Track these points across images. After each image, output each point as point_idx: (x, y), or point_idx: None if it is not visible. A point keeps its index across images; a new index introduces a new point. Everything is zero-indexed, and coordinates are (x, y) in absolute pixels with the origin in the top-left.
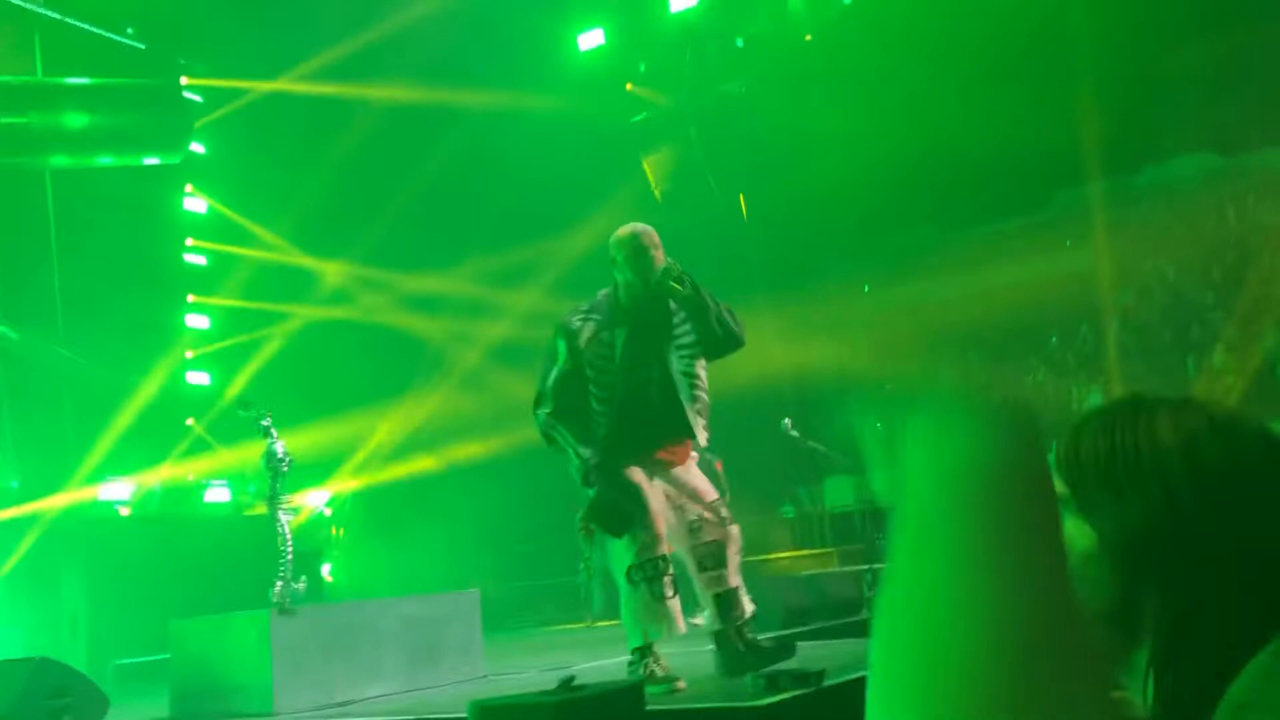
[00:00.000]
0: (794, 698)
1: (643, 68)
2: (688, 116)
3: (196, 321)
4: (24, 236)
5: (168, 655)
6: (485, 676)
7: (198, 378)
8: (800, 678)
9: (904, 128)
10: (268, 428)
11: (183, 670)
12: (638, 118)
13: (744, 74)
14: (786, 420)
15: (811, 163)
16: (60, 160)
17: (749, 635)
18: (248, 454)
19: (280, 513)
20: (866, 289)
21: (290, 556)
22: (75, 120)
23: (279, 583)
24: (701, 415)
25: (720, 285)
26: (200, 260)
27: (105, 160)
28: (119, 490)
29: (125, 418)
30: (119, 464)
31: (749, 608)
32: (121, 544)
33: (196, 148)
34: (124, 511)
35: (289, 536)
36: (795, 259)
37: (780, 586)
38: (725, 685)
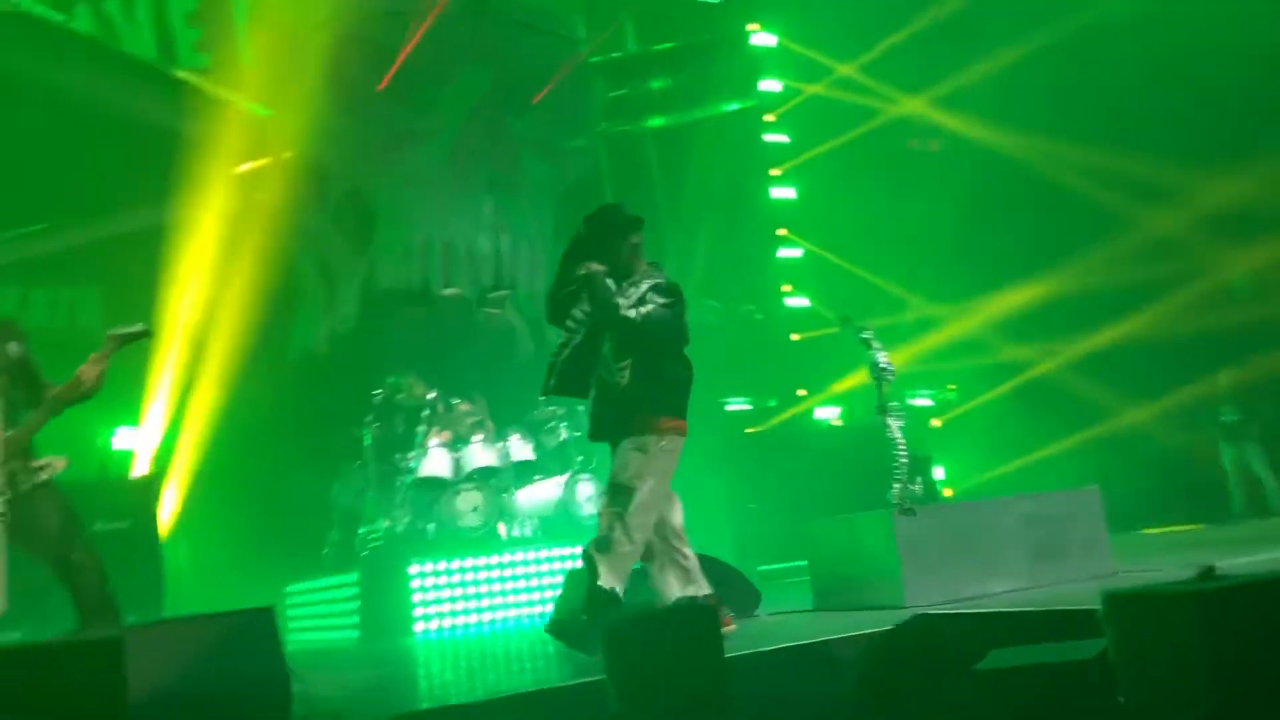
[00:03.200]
0: None
1: None
2: None
3: (790, 249)
4: (636, 189)
5: (802, 562)
6: (1115, 573)
7: (796, 301)
8: None
9: None
10: (868, 340)
11: (820, 566)
12: None
13: None
14: None
15: None
16: (656, 121)
17: None
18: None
19: (890, 419)
20: None
21: (904, 460)
22: (663, 83)
23: (896, 485)
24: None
25: None
26: (788, 193)
27: (692, 114)
28: (741, 407)
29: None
30: (737, 387)
31: None
32: (750, 457)
33: (771, 86)
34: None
35: (901, 441)
36: None
37: None
38: None
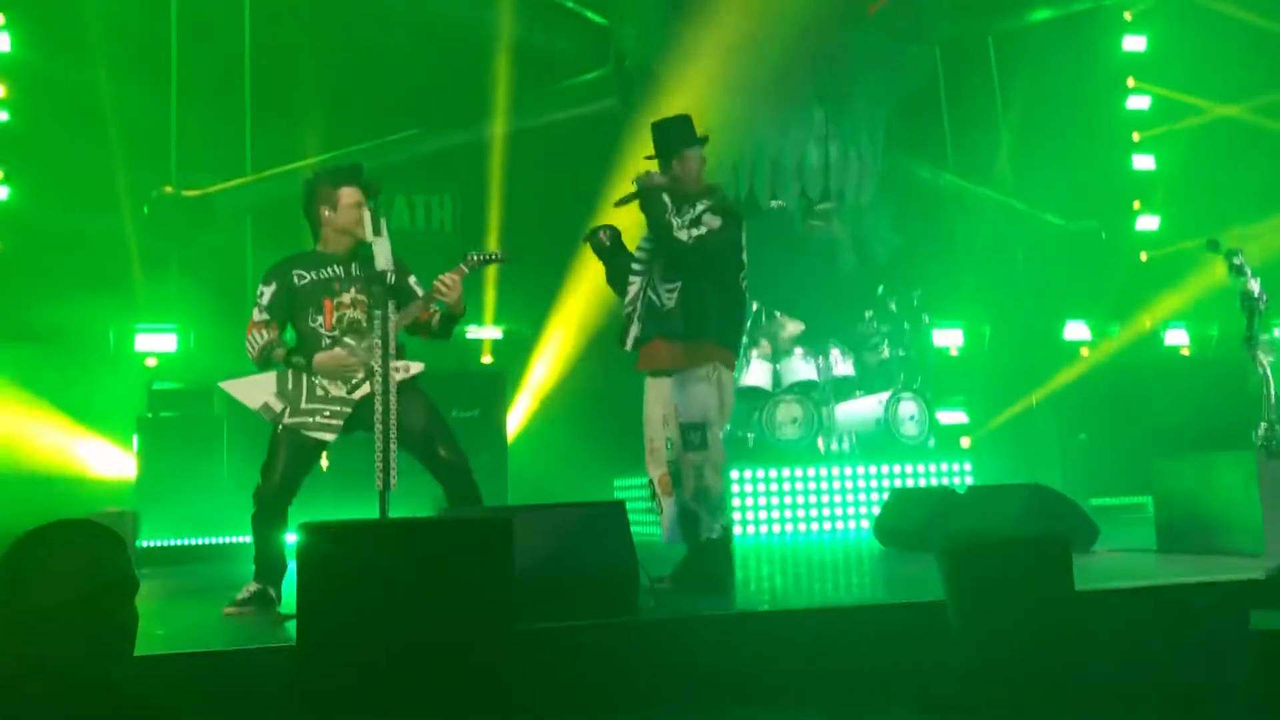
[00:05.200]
0: None
1: None
2: None
3: (1143, 162)
4: (973, 98)
5: (1138, 498)
6: None
7: (1147, 222)
8: None
9: None
10: (1240, 266)
11: (1166, 505)
12: None
13: None
14: None
15: None
16: (1002, 23)
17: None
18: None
19: (1260, 353)
20: None
21: (1275, 399)
22: None
23: (1263, 425)
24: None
25: None
26: (1143, 103)
27: (1042, 15)
28: (1079, 331)
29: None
30: (1076, 310)
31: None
32: (1085, 385)
33: None
34: (1084, 352)
35: (1271, 378)
36: None
37: None
38: None
